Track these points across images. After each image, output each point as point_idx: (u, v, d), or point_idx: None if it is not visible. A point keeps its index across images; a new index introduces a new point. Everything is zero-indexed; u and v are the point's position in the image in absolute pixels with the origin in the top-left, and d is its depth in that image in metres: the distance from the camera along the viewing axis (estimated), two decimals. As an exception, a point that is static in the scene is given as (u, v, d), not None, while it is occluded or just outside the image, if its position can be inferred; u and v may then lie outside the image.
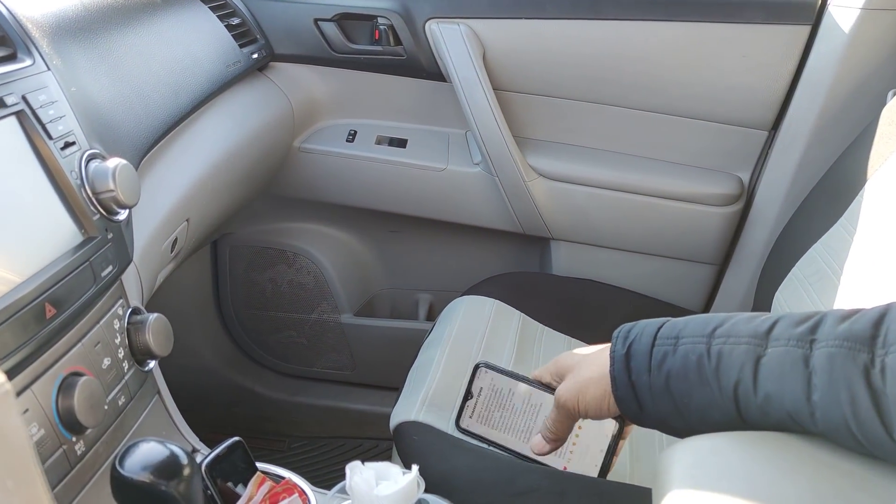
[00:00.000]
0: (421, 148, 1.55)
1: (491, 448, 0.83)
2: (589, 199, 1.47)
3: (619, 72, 1.42)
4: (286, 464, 1.67)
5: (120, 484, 0.63)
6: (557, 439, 0.78)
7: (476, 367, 0.83)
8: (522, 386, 0.81)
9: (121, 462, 0.63)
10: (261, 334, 1.74)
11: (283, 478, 0.89)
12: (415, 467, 0.84)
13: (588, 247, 1.54)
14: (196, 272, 1.66)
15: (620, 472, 1.04)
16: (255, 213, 1.63)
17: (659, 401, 0.67)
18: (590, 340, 1.18)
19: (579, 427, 0.82)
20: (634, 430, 1.08)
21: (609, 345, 0.73)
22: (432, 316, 1.71)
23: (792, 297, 1.14)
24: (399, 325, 1.69)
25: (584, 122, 1.49)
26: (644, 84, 1.42)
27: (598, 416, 0.74)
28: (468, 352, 1.20)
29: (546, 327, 1.31)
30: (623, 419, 0.77)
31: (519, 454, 0.81)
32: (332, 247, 1.69)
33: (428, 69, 1.49)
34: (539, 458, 0.82)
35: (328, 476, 1.65)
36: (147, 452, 0.65)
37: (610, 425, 0.79)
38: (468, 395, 0.83)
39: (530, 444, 0.81)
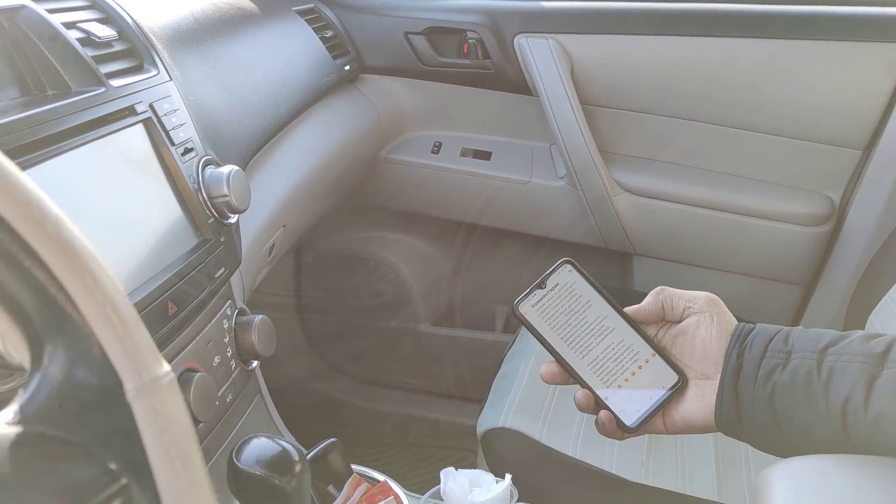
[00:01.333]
0: (505, 160, 1.56)
1: (541, 346, 0.74)
2: (674, 216, 1.46)
3: (709, 88, 1.41)
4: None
5: (237, 475, 0.66)
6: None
7: (562, 262, 0.75)
8: (603, 303, 0.73)
9: (237, 455, 0.66)
10: (340, 341, 1.77)
11: (377, 480, 0.91)
12: (508, 476, 0.85)
13: (672, 263, 1.52)
14: (279, 277, 1.71)
15: (707, 492, 1.03)
16: (339, 221, 1.66)
17: (760, 412, 0.66)
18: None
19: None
20: (720, 450, 1.07)
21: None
22: (509, 328, 1.72)
23: (889, 321, 1.11)
24: (477, 336, 1.70)
25: (670, 138, 1.49)
26: (733, 101, 1.40)
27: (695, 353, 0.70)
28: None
29: (629, 342, 1.31)
30: None
31: (567, 364, 0.72)
32: (414, 256, 1.71)
33: (514, 82, 1.50)
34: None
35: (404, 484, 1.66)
36: (261, 448, 0.67)
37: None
38: (541, 284, 0.75)
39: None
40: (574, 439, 1.08)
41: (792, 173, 1.45)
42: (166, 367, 0.39)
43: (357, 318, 1.75)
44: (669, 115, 1.46)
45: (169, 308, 0.72)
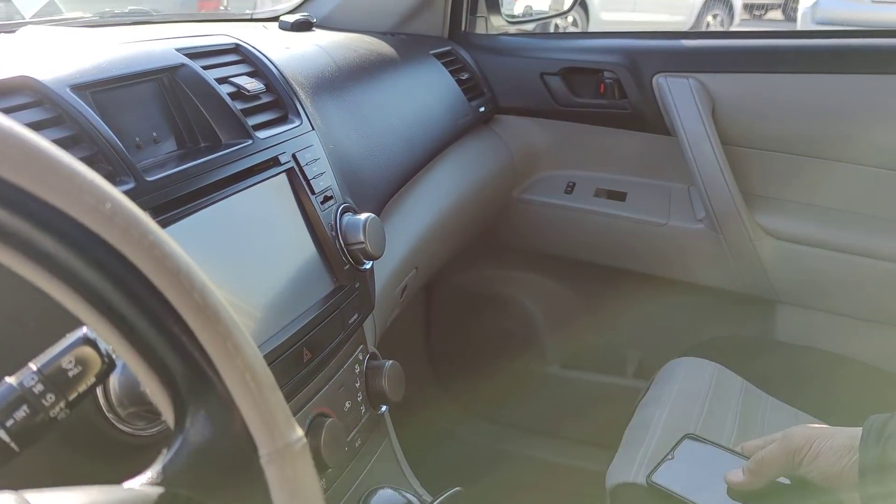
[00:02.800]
0: (641, 201, 1.52)
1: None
2: (824, 262, 1.38)
3: (864, 128, 1.32)
4: (486, 511, 1.68)
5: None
6: (758, 475, 0.76)
7: (682, 438, 0.87)
8: (730, 458, 0.82)
9: (364, 507, 0.66)
10: (467, 379, 1.77)
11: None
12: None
13: (819, 312, 1.43)
14: (408, 314, 1.73)
15: None
16: (469, 258, 1.67)
17: None
18: (821, 415, 1.10)
19: None
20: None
21: (855, 435, 0.67)
22: (641, 374, 1.66)
23: None
24: (607, 381, 1.66)
25: (820, 180, 1.40)
26: (891, 142, 1.31)
27: (827, 474, 0.70)
28: (689, 416, 1.15)
29: (771, 397, 1.23)
30: None
31: None
32: (543, 296, 1.69)
33: (652, 122, 1.47)
34: None
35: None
36: (387, 501, 0.67)
37: None
38: (669, 456, 0.87)
39: (727, 475, 0.81)
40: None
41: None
42: (299, 432, 0.39)
43: (485, 356, 1.74)
44: (819, 156, 1.38)
45: (304, 354, 0.74)
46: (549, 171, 1.61)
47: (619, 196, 1.54)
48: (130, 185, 0.62)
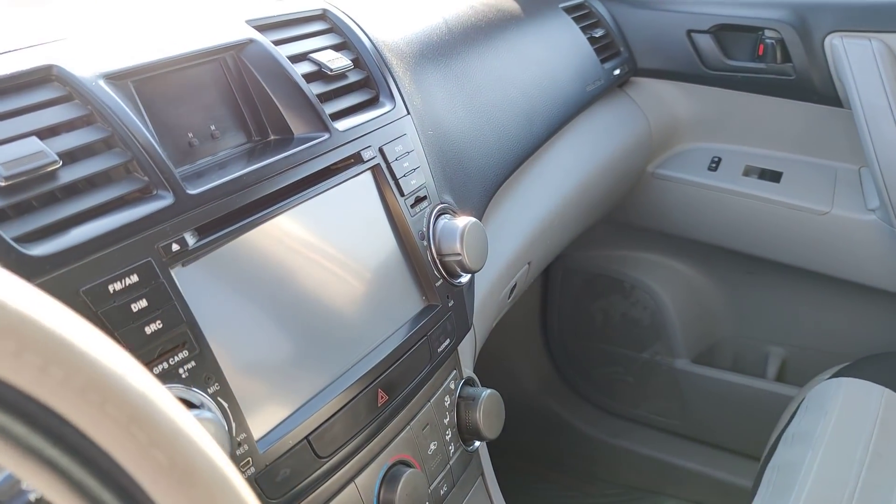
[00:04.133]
0: (799, 184, 1.30)
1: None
2: None
3: None
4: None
5: None
6: None
7: None
8: None
9: None
10: (585, 365, 1.63)
11: None
12: None
13: None
14: (525, 293, 1.59)
15: None
16: (594, 237, 1.50)
17: None
18: None
19: None
20: None
21: None
22: (783, 376, 1.46)
23: None
24: (743, 382, 1.46)
25: None
26: None
27: None
28: (851, 456, 0.97)
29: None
30: None
31: None
32: (676, 283, 1.51)
33: (820, 91, 1.24)
34: None
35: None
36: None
37: None
38: None
39: None
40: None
41: None
42: None
43: (606, 343, 1.59)
44: None
45: (379, 398, 0.62)
46: (691, 143, 1.41)
47: (774, 176, 1.33)
48: (167, 202, 0.51)
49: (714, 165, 1.36)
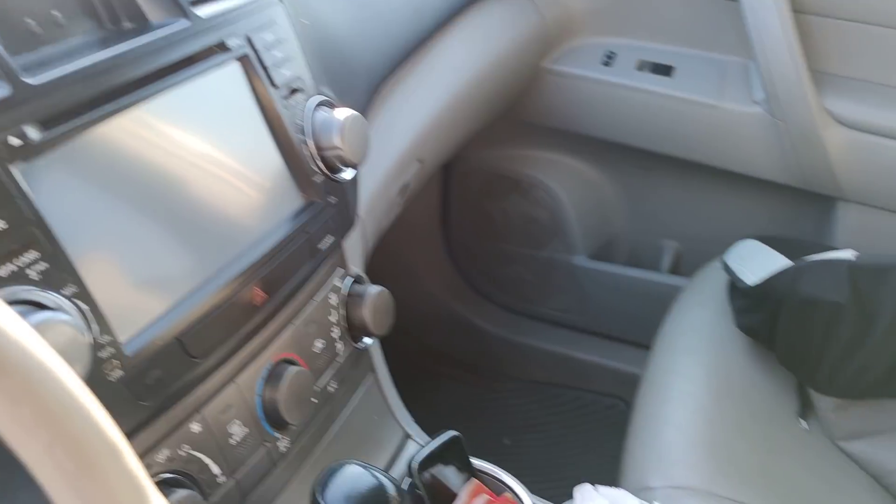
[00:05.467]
0: (689, 78, 1.31)
1: None
2: (901, 157, 1.18)
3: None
4: (502, 406, 1.60)
5: (319, 517, 0.54)
6: None
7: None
8: None
9: (322, 489, 0.55)
10: (487, 266, 1.64)
11: (501, 482, 0.78)
12: (658, 506, 0.69)
13: (886, 213, 1.25)
14: (424, 195, 1.58)
15: None
16: (491, 136, 1.49)
17: None
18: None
19: None
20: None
21: None
22: (678, 269, 1.51)
23: None
24: (638, 275, 1.51)
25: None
26: None
27: None
28: (729, 338, 1.03)
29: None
30: None
31: None
32: (572, 180, 1.52)
33: (709, -19, 1.24)
34: None
35: (543, 425, 1.55)
36: (352, 481, 0.56)
37: None
38: None
39: None
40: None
41: None
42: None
43: (506, 243, 1.60)
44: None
45: (257, 296, 0.60)
46: (585, 38, 1.40)
47: (665, 70, 1.33)
48: (2, 93, 0.46)
49: (608, 60, 1.36)
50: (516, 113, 1.43)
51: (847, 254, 0.88)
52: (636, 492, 0.86)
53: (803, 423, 0.95)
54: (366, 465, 0.57)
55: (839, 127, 1.20)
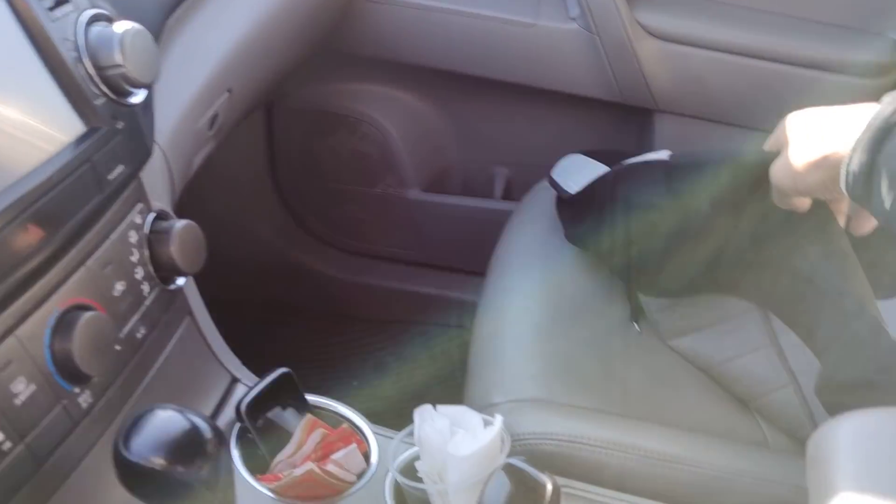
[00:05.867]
0: (506, -2, 1.30)
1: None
2: (708, 65, 1.23)
3: None
4: (348, 348, 1.56)
5: (125, 469, 0.49)
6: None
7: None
8: None
9: (126, 440, 0.49)
10: (321, 208, 1.58)
11: (340, 415, 0.75)
12: (499, 418, 0.68)
13: (700, 121, 1.30)
14: (248, 139, 1.49)
15: (757, 438, 0.87)
16: (314, 72, 1.43)
17: None
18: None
19: None
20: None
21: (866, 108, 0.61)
22: (510, 194, 1.52)
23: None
24: (472, 204, 1.51)
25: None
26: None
27: (823, 198, 0.71)
28: (559, 242, 1.04)
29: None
30: None
31: None
32: (400, 113, 1.48)
33: None
34: None
35: (391, 363, 1.53)
36: (160, 427, 0.50)
37: None
38: None
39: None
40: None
41: (856, 12, 1.20)
42: None
43: (338, 182, 1.54)
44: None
45: (31, 233, 0.52)
46: None
47: (482, -10, 1.31)
48: None
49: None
50: (335, 44, 1.37)
51: (662, 155, 0.90)
52: (480, 409, 0.85)
53: (636, 327, 0.97)
54: (179, 408, 0.51)
55: (650, 39, 1.22)
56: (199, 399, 0.70)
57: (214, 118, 0.89)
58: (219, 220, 1.55)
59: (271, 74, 1.10)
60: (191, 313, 0.73)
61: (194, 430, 0.50)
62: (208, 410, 0.70)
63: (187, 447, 0.49)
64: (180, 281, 0.69)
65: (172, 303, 0.69)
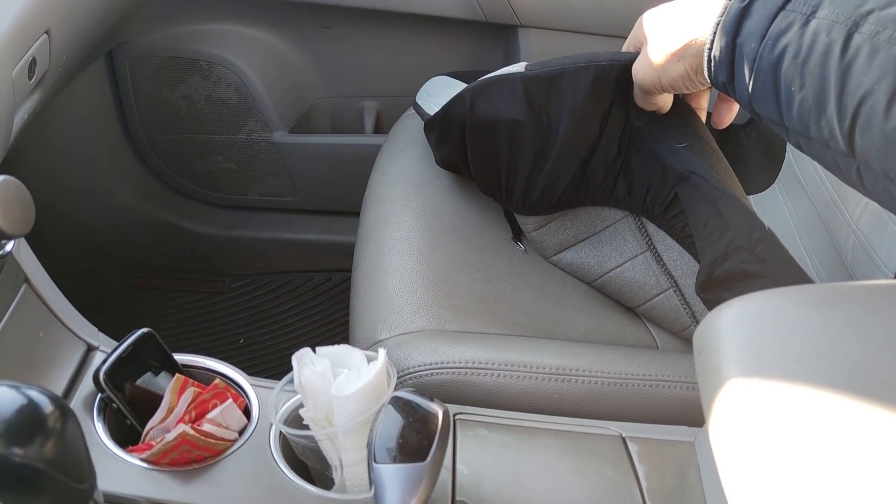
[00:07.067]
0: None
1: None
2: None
3: None
4: (230, 307, 1.49)
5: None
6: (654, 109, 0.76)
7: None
8: None
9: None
10: (182, 162, 1.48)
11: (213, 371, 0.69)
12: (382, 352, 0.65)
13: (563, 34, 1.28)
14: (91, 94, 1.37)
15: (646, 342, 0.87)
16: (157, 13, 1.31)
17: (759, 80, 0.55)
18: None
19: None
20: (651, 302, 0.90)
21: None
22: (381, 128, 1.46)
23: None
24: (343, 141, 1.44)
25: None
26: None
27: (687, 91, 0.70)
28: (431, 168, 1.00)
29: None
30: None
31: None
32: (255, 52, 1.39)
33: None
34: None
35: (277, 315, 1.47)
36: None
37: None
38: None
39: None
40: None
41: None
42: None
43: (197, 133, 1.45)
44: None
45: None
46: None
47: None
48: None
49: None
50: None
51: (519, 67, 0.86)
52: (367, 348, 0.82)
53: (520, 246, 0.95)
54: (12, 384, 0.45)
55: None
56: (48, 373, 0.63)
57: (33, 64, 0.79)
58: (70, 186, 1.44)
59: (101, 12, 0.99)
60: (27, 279, 0.65)
61: (31, 405, 0.44)
62: (62, 384, 0.63)
63: (24, 425, 0.43)
64: (8, 246, 0.61)
65: (3, 270, 0.61)
